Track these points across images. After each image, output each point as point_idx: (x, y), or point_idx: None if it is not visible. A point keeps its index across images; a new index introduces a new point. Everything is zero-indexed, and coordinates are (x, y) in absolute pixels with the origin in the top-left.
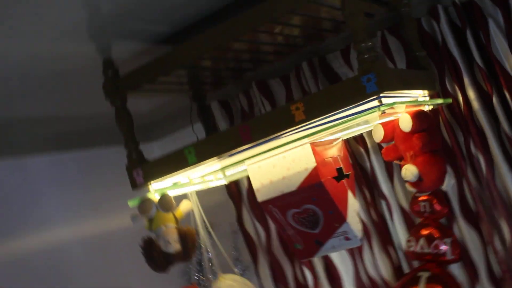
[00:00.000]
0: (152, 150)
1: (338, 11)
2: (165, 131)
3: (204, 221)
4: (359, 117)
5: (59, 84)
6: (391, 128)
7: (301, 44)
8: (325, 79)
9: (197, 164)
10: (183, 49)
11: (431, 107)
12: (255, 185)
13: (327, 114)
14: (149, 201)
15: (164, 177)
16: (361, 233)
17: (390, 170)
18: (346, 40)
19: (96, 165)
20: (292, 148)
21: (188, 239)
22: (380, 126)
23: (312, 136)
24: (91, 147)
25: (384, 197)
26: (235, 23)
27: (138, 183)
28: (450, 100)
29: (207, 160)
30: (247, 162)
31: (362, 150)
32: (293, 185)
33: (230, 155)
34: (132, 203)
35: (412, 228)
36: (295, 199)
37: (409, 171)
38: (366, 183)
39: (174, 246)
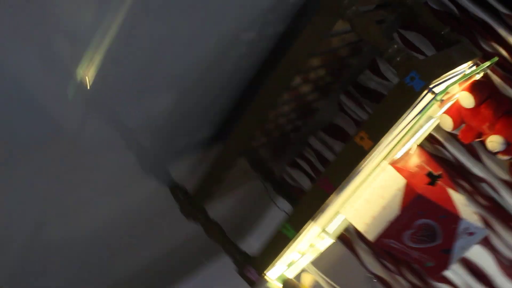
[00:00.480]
0: (250, 244)
1: (350, 34)
2: (255, 221)
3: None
4: (422, 117)
5: (146, 230)
6: (456, 112)
7: (332, 81)
8: (368, 100)
9: (298, 235)
10: (233, 140)
11: (482, 74)
12: (361, 228)
13: (390, 130)
14: None
15: (275, 262)
16: (480, 223)
17: (473, 152)
18: (367, 56)
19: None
20: (376, 177)
21: None
22: (445, 115)
23: (388, 157)
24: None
25: (482, 179)
26: (266, 91)
27: (255, 281)
28: (496, 58)
29: (305, 227)
30: (342, 211)
31: (438, 147)
32: (395, 210)
33: (323, 212)
34: None
35: None
36: (404, 222)
37: (495, 142)
38: (458, 175)
39: None
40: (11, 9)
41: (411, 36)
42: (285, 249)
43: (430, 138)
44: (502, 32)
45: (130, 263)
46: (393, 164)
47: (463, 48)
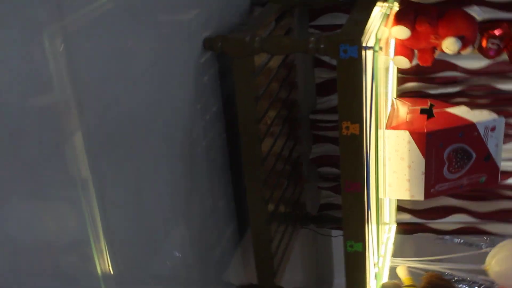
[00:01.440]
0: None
1: (273, 59)
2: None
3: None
4: (377, 74)
5: None
6: (402, 48)
7: (291, 108)
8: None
9: (365, 244)
10: (253, 217)
11: (396, 3)
12: (407, 196)
13: (363, 104)
14: None
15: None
16: (492, 113)
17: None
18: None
19: None
20: (385, 148)
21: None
22: (396, 57)
23: (380, 125)
24: None
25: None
26: (246, 155)
27: None
28: None
29: (366, 233)
30: (383, 195)
31: (413, 84)
32: (420, 160)
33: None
34: None
35: None
36: (435, 163)
37: (449, 44)
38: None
39: None
40: None
41: (325, 20)
42: (365, 262)
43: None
44: None
45: None
46: (389, 126)
47: None
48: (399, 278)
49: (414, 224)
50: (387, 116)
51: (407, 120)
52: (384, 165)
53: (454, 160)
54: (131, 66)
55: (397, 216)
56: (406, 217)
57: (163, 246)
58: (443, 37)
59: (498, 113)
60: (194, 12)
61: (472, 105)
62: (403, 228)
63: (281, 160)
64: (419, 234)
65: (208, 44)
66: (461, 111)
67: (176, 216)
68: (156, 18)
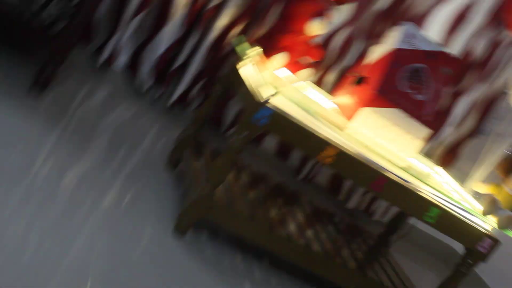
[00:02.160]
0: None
1: None
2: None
3: None
4: (299, 99)
5: None
6: (294, 66)
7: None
8: None
9: (439, 207)
10: None
11: (253, 49)
12: (422, 139)
13: (315, 132)
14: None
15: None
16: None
17: None
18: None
19: None
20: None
21: None
22: (297, 76)
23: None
24: None
25: None
26: None
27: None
28: (237, 39)
29: (429, 197)
30: (406, 158)
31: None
32: (394, 112)
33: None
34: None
35: None
36: (407, 102)
37: (314, 28)
38: None
39: None
40: None
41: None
42: (456, 217)
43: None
44: None
45: None
46: (349, 119)
47: (232, 71)
48: (485, 194)
49: (448, 149)
50: (342, 115)
51: (356, 101)
52: (380, 144)
53: (414, 83)
54: None
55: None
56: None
57: None
58: (304, 30)
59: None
60: None
61: (379, 41)
62: (445, 159)
63: (319, 230)
64: (460, 149)
65: (179, 229)
66: (377, 52)
67: None
68: None
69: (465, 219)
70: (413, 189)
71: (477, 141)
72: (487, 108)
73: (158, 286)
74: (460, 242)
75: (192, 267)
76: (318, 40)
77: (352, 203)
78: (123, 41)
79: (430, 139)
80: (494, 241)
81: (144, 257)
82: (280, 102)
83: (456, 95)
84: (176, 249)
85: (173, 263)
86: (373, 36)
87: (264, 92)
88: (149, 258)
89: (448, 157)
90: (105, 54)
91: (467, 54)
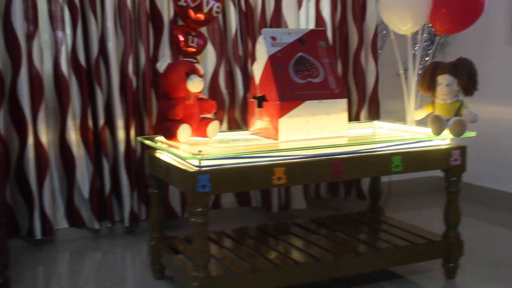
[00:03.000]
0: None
1: None
2: None
3: None
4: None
5: None
6: (197, 130)
7: None
8: None
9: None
10: None
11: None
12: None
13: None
14: None
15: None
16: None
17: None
18: None
19: None
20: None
21: None
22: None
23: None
24: None
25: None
26: None
27: None
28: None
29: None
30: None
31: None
32: (305, 108)
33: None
34: None
35: None
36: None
37: (193, 84)
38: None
39: None
40: None
41: None
42: (418, 151)
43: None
44: None
45: None
46: (277, 137)
47: None
48: (427, 117)
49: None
50: (268, 138)
51: (269, 120)
52: (315, 139)
53: (305, 72)
54: None
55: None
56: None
57: None
58: (186, 92)
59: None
60: None
61: (254, 58)
62: (374, 112)
63: (318, 241)
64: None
65: None
66: (257, 69)
67: None
68: None
69: (426, 148)
70: (367, 155)
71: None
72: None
73: None
74: (435, 169)
75: None
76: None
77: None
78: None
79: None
80: (461, 149)
81: None
82: (209, 162)
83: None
84: None
85: None
86: (247, 58)
87: (191, 163)
88: None
89: (374, 109)
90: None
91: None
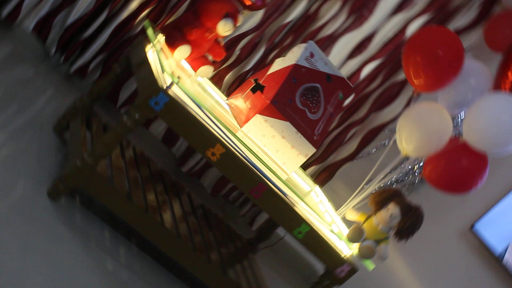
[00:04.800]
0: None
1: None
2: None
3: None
4: (197, 98)
5: None
6: (195, 61)
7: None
8: None
9: (310, 223)
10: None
11: (159, 35)
12: (303, 159)
13: (205, 126)
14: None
15: (333, 249)
16: (302, 45)
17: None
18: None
19: None
20: (253, 144)
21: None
22: (197, 71)
23: (234, 130)
24: None
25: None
26: None
27: (344, 275)
28: (147, 22)
29: (301, 214)
30: (286, 173)
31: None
32: (286, 125)
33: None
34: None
35: None
36: (298, 116)
37: (222, 27)
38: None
39: None
40: None
41: (125, 94)
42: (320, 235)
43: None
44: None
45: None
46: (240, 124)
47: (135, 52)
48: (354, 222)
49: (327, 168)
50: (234, 117)
51: (249, 107)
52: (265, 153)
53: (308, 102)
54: None
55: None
56: (317, 168)
57: None
58: (214, 26)
59: (303, 41)
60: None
61: (283, 53)
62: (322, 178)
63: (189, 221)
64: (339, 171)
65: (54, 192)
66: (278, 64)
67: None
68: None
69: (331, 242)
70: (289, 203)
71: (356, 166)
72: (371, 135)
73: (20, 237)
74: (322, 262)
75: (59, 229)
76: (223, 40)
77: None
78: (35, 2)
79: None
80: (352, 268)
81: (12, 210)
82: (178, 92)
83: (350, 125)
84: (46, 210)
85: (40, 221)
86: (277, 47)
87: (165, 79)
88: (17, 212)
89: (325, 177)
90: (9, 7)
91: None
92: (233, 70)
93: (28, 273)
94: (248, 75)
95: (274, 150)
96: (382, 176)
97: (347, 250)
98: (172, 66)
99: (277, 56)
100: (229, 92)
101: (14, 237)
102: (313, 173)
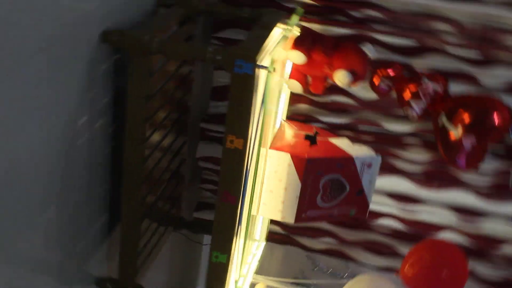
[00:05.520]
0: None
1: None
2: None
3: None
4: (268, 95)
5: None
6: (297, 73)
7: (181, 114)
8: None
9: (230, 257)
10: (127, 212)
11: (297, 28)
12: (278, 217)
13: (250, 120)
14: None
15: None
16: (372, 151)
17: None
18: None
19: None
20: (266, 165)
21: None
22: (290, 80)
23: (264, 143)
24: None
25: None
26: (128, 154)
27: None
28: (301, 9)
29: (232, 245)
30: (255, 212)
31: (305, 106)
32: (297, 184)
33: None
34: None
35: (398, 103)
36: (310, 189)
37: (340, 76)
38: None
39: None
40: None
41: (228, 34)
42: (227, 274)
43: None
44: None
45: None
46: (272, 146)
47: (269, 17)
48: None
49: (285, 235)
50: (273, 136)
51: (291, 143)
52: (262, 183)
53: (328, 189)
54: (19, 46)
55: (269, 226)
56: (278, 228)
57: (27, 225)
58: (336, 68)
59: (377, 151)
60: (96, 4)
61: (355, 140)
62: (274, 238)
63: (165, 160)
64: (288, 247)
65: (105, 37)
66: (343, 143)
67: (47, 198)
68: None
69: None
70: (235, 231)
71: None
72: None
73: None
74: None
75: None
76: (330, 82)
77: None
78: None
79: None
80: None
81: None
82: (261, 77)
83: None
84: None
85: None
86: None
87: (265, 59)
88: None
89: (277, 240)
90: None
91: None
92: (312, 107)
93: None
94: (317, 124)
95: (269, 188)
96: None
97: None
98: (279, 57)
99: (350, 137)
100: (290, 117)
101: None
102: (274, 231)
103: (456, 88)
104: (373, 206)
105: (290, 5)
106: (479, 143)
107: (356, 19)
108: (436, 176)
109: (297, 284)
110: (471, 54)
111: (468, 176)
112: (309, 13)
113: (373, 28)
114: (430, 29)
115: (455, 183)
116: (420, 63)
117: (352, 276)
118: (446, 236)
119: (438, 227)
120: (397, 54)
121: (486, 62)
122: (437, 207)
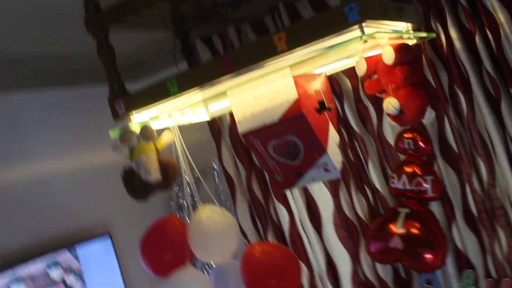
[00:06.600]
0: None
1: None
2: (150, 71)
3: (186, 154)
4: (342, 47)
5: (43, 21)
6: (374, 62)
7: None
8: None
9: (179, 95)
10: None
11: (414, 41)
12: (237, 117)
13: (309, 43)
14: (130, 130)
15: (146, 108)
16: (340, 165)
17: (364, 112)
18: None
19: (81, 103)
20: (275, 80)
21: (168, 169)
22: (363, 59)
23: (295, 67)
24: (76, 86)
25: (357, 138)
26: None
27: (120, 114)
28: (434, 35)
29: (189, 90)
30: (229, 93)
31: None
32: (275, 117)
33: (212, 86)
34: (114, 133)
35: (396, 165)
36: (277, 131)
37: (391, 103)
38: (342, 124)
39: (154, 175)
40: None
41: None
42: (161, 101)
43: (334, 79)
44: (450, 19)
45: None
46: (296, 77)
47: (412, 9)
48: (159, 136)
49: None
50: (305, 72)
51: (308, 92)
52: (258, 85)
53: (285, 147)
54: None
55: None
56: None
57: None
58: (397, 96)
59: None
60: None
61: (343, 145)
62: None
63: None
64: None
65: None
66: (333, 137)
67: None
68: None
69: None
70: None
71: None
72: None
73: None
74: None
75: None
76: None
77: None
78: None
79: None
80: None
81: None
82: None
83: None
84: None
85: None
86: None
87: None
88: None
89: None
90: None
91: None
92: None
93: None
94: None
95: (258, 93)
96: None
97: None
98: (380, 40)
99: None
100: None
101: None
102: None
103: None
104: None
105: (432, 25)
106: None
107: None
108: None
109: None
110: None
111: None
112: (432, 45)
113: None
114: None
115: None
116: None
117: None
118: None
119: None
120: None
121: None
122: None
